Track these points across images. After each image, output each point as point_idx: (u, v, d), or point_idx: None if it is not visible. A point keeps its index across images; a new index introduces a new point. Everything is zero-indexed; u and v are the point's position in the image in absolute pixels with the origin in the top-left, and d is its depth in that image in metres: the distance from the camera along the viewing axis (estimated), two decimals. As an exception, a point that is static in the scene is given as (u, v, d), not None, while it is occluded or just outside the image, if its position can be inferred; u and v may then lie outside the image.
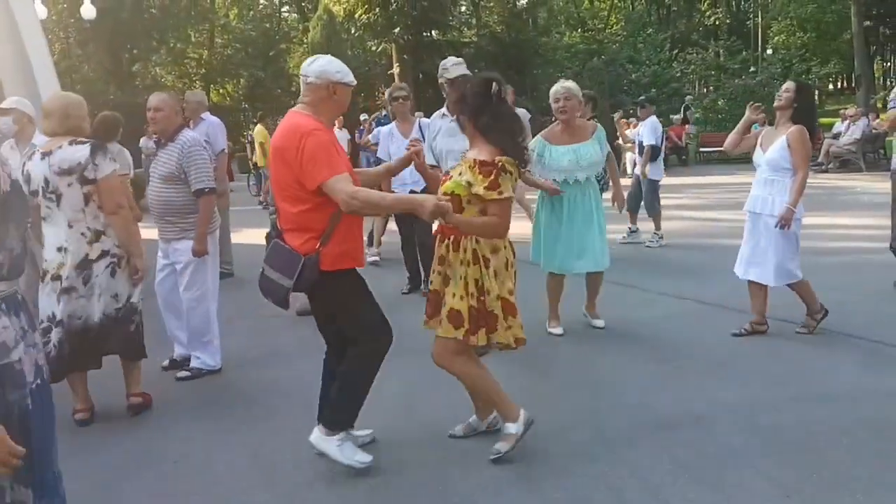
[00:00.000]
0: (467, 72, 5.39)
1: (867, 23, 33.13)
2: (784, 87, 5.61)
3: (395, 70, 28.88)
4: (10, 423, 2.08)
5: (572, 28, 41.12)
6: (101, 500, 3.60)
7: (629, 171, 18.47)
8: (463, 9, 35.30)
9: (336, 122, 13.34)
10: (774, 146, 5.44)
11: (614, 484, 3.53)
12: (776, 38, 36.81)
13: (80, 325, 4.28)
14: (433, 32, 31.03)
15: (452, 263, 3.58)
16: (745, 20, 40.50)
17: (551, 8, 37.59)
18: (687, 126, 24.57)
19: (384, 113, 9.75)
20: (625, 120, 20.93)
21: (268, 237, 3.64)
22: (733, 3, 41.43)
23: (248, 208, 15.00)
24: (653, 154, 9.86)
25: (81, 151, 4.20)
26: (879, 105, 25.68)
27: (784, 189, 5.40)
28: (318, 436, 3.67)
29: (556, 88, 5.70)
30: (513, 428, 3.74)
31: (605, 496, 3.44)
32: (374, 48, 31.67)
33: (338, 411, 3.69)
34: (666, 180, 10.25)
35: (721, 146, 23.18)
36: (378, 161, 7.31)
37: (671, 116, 25.02)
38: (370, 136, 8.83)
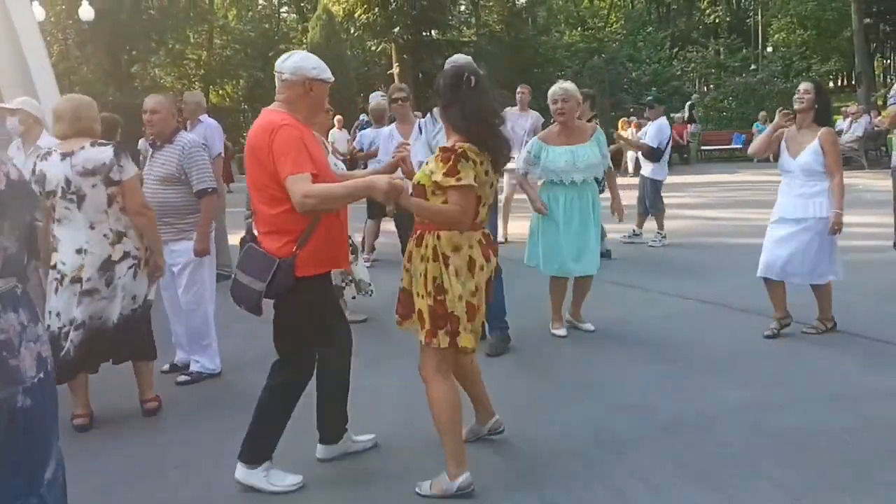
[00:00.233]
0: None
1: (867, 20, 33.06)
2: (802, 88, 5.51)
3: (395, 70, 28.87)
4: None
5: (572, 27, 41.08)
6: (101, 506, 3.57)
7: (630, 170, 18.58)
8: (462, 8, 35.28)
9: (336, 122, 13.33)
10: (807, 151, 5.39)
11: (616, 486, 3.50)
12: (776, 35, 36.76)
13: (99, 325, 4.29)
14: (433, 32, 31.03)
15: (414, 259, 3.42)
16: (746, 18, 40.47)
17: (551, 7, 37.56)
18: (690, 126, 24.54)
19: (365, 119, 9.69)
20: (625, 119, 20.95)
21: (242, 242, 3.55)
22: (733, 1, 41.39)
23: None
24: (656, 155, 9.83)
25: (106, 153, 4.22)
26: (880, 102, 25.63)
27: (822, 192, 5.37)
28: (242, 472, 3.57)
29: (554, 89, 5.66)
30: (445, 482, 3.41)
31: (606, 498, 3.41)
32: (373, 48, 31.66)
33: (256, 442, 3.57)
34: (668, 179, 10.21)
35: (723, 145, 23.04)
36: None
37: (672, 115, 24.99)
38: (355, 143, 8.78)
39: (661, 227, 9.90)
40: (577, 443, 3.97)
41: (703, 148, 25.72)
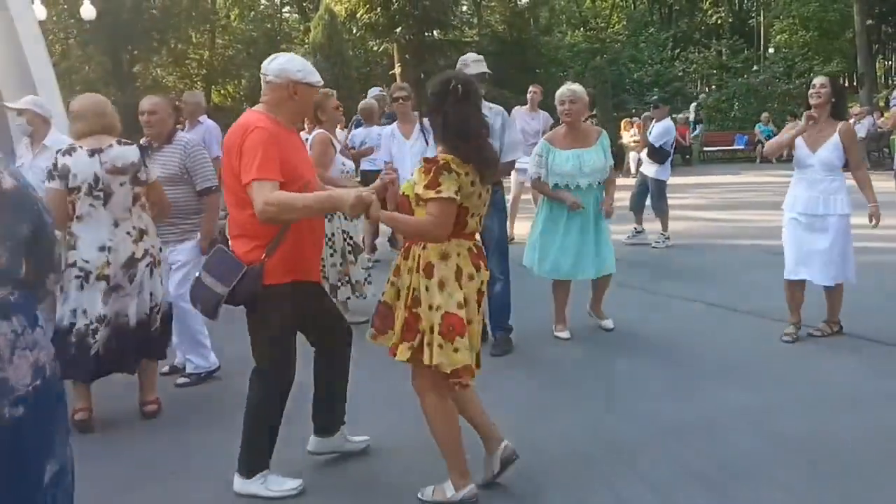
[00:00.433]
0: (486, 70, 5.30)
1: (870, 21, 32.96)
2: (818, 83, 5.45)
3: (397, 70, 28.78)
4: None
5: (574, 27, 40.96)
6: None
7: (632, 170, 18.52)
8: (465, 8, 35.19)
9: (338, 123, 13.24)
10: (827, 146, 5.34)
11: (623, 493, 3.44)
12: (778, 36, 36.65)
13: (124, 322, 4.33)
14: (435, 32, 30.91)
15: (402, 273, 3.31)
16: (748, 19, 40.34)
17: (553, 7, 37.48)
18: (697, 128, 24.52)
19: (358, 120, 9.69)
20: (627, 120, 20.92)
21: (212, 243, 3.49)
22: (735, 2, 41.27)
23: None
24: (661, 156, 9.77)
25: (134, 152, 4.32)
26: (882, 104, 25.58)
27: (841, 188, 5.36)
28: (239, 483, 3.50)
29: (561, 91, 5.63)
30: (450, 491, 3.33)
31: (613, 506, 3.35)
32: (375, 48, 31.57)
33: (248, 454, 3.50)
34: (671, 180, 10.15)
35: (725, 146, 22.96)
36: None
37: (674, 115, 24.94)
38: (347, 141, 8.74)
39: (664, 228, 9.84)
40: (580, 446, 3.92)
41: (705, 149, 25.67)
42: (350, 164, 6.26)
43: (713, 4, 40.87)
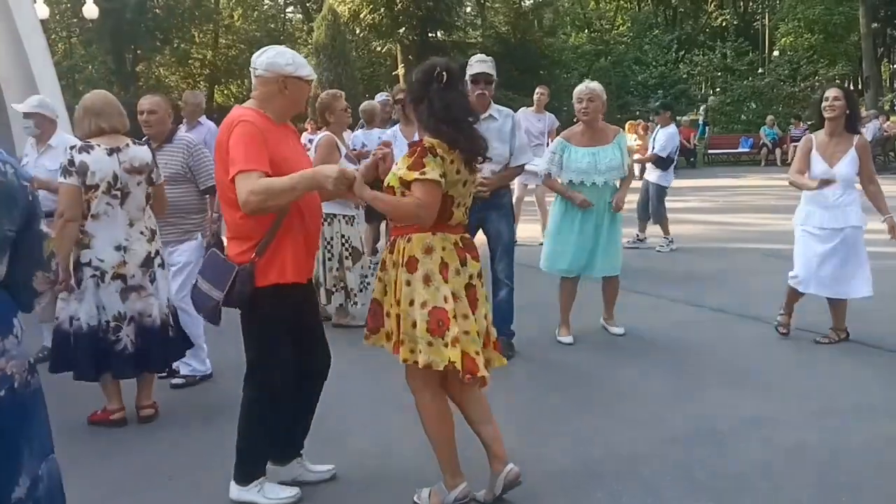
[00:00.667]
0: (491, 71, 5.21)
1: (875, 24, 32.92)
2: (832, 96, 5.33)
3: (400, 71, 28.73)
4: None
5: (578, 29, 40.95)
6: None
7: (637, 173, 18.42)
8: (468, 9, 35.16)
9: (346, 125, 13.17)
10: (846, 160, 5.29)
11: (625, 503, 3.36)
12: (783, 39, 36.59)
13: (150, 323, 4.34)
14: (438, 33, 30.90)
15: (388, 268, 3.24)
16: (753, 21, 40.31)
17: (557, 9, 37.42)
18: (706, 130, 24.48)
19: (360, 121, 9.67)
20: (632, 122, 20.85)
21: (207, 246, 3.42)
22: (740, 5, 41.18)
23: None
24: (665, 162, 9.70)
25: (147, 152, 4.37)
26: (887, 107, 25.52)
27: (854, 200, 5.32)
28: (236, 491, 3.41)
29: (580, 88, 5.60)
30: (443, 492, 3.29)
31: (618, 519, 3.28)
32: (378, 49, 31.56)
33: (244, 461, 3.40)
34: (674, 183, 10.10)
35: (730, 149, 22.97)
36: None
37: (678, 118, 24.89)
38: (349, 142, 8.72)
39: (666, 232, 9.77)
40: (584, 457, 3.83)
41: (709, 152, 25.59)
42: (353, 168, 6.15)
43: (718, 7, 40.79)
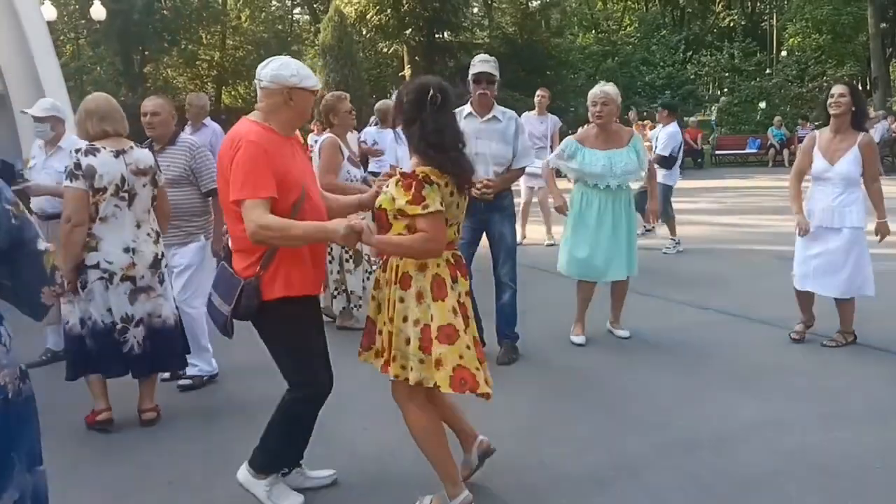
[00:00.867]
0: (493, 70, 5.18)
1: (884, 24, 32.72)
2: (837, 91, 5.29)
3: (407, 72, 28.71)
4: None
5: (586, 29, 40.86)
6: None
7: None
8: (475, 10, 35.11)
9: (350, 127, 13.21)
10: (847, 158, 5.23)
11: (632, 510, 3.34)
12: (791, 39, 36.41)
13: (160, 324, 4.38)
14: (445, 34, 30.85)
15: (381, 286, 3.23)
16: (760, 22, 40.11)
17: (564, 9, 37.33)
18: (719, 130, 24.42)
19: (374, 120, 9.69)
20: (640, 122, 20.80)
21: (216, 256, 3.39)
22: (748, 5, 41.01)
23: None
24: (669, 161, 9.65)
25: (149, 154, 4.41)
26: (895, 108, 25.37)
27: (856, 200, 5.25)
28: (245, 475, 3.38)
29: (594, 92, 5.55)
30: (445, 500, 3.27)
31: (623, 525, 3.24)
32: (385, 50, 31.54)
33: (267, 454, 3.37)
34: (681, 184, 10.04)
35: (738, 149, 22.90)
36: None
37: (686, 118, 24.81)
38: (362, 139, 8.73)
39: (673, 233, 9.72)
40: (589, 463, 3.80)
41: (716, 153, 25.50)
42: (355, 173, 6.09)
43: (726, 7, 40.67)
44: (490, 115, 5.19)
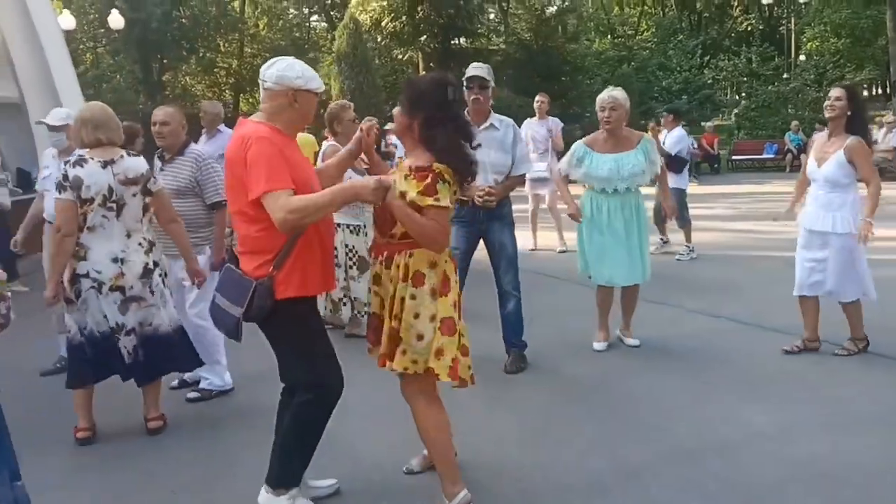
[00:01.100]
0: (485, 75, 5.20)
1: (903, 28, 32.45)
2: (833, 95, 5.25)
3: (423, 78, 28.77)
4: None
5: (602, 35, 40.83)
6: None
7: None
8: (491, 16, 35.14)
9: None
10: (831, 161, 5.17)
11: (635, 520, 3.32)
12: (809, 44, 36.23)
13: (151, 332, 4.37)
14: (460, 40, 30.90)
15: (384, 283, 3.24)
16: (778, 26, 39.88)
17: (581, 15, 37.31)
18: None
19: (387, 126, 9.78)
20: (653, 125, 20.72)
21: (221, 262, 3.39)
22: (766, 9, 40.81)
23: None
24: (678, 165, 9.60)
25: (141, 163, 4.35)
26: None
27: (844, 205, 5.17)
28: (266, 497, 3.32)
29: (602, 97, 5.52)
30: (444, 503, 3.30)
31: (624, 534, 3.22)
32: (400, 57, 31.61)
33: (283, 467, 3.32)
34: (697, 189, 9.99)
35: (755, 154, 22.60)
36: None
37: (703, 123, 24.68)
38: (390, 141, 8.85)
39: (688, 239, 9.65)
40: (593, 471, 3.78)
41: (733, 158, 25.33)
42: (357, 178, 6.12)
43: (743, 11, 40.49)
44: (487, 124, 5.19)
